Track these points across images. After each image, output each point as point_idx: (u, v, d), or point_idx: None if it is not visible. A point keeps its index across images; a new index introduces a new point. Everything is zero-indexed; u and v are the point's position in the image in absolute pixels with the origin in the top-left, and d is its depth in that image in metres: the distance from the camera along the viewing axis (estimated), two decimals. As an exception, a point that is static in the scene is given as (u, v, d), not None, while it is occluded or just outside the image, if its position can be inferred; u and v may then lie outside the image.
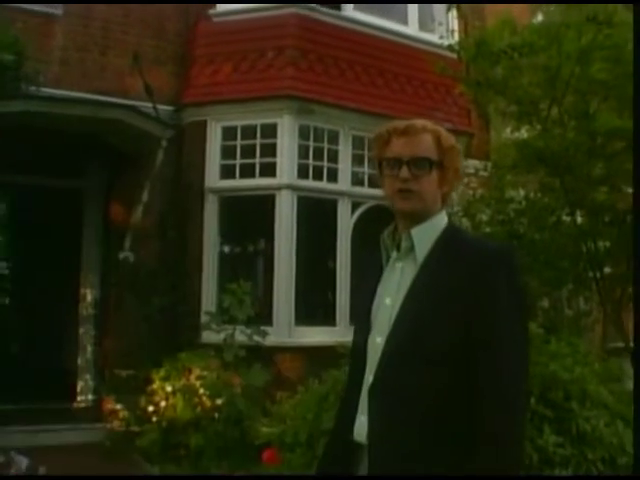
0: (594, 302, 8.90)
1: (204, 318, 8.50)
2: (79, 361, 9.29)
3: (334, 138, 9.32)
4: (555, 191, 7.76)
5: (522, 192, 8.51)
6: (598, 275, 7.54)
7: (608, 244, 7.76)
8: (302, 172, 9.08)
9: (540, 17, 9.04)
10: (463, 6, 9.39)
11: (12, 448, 6.41)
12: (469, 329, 2.23)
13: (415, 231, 2.40)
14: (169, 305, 8.82)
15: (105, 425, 8.27)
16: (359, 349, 2.48)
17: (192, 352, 7.97)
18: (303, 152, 9.11)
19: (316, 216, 9.33)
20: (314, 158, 9.18)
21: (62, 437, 7.98)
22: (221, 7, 9.69)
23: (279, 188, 8.95)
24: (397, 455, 2.26)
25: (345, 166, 9.36)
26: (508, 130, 8.56)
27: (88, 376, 9.26)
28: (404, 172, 2.37)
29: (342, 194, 9.27)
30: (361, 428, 2.38)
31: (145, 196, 8.60)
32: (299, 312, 8.90)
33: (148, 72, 9.11)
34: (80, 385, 9.23)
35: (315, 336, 8.78)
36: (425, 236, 2.40)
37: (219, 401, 7.43)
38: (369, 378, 2.38)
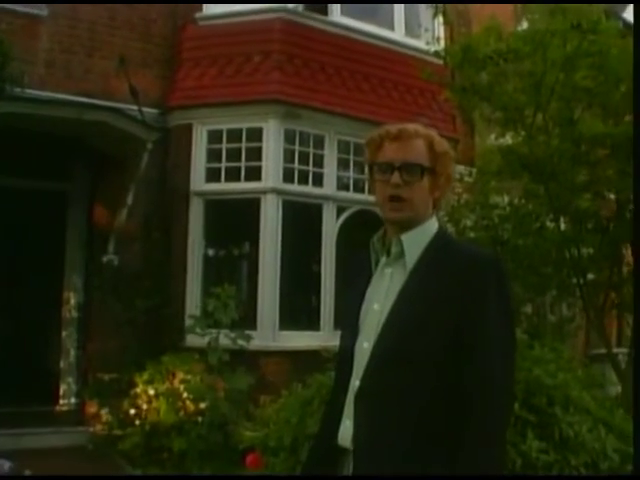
0: (577, 308, 8.94)
1: (188, 321, 8.48)
2: (62, 364, 9.24)
3: (320, 142, 9.33)
4: (539, 197, 7.79)
5: (506, 198, 8.54)
6: (581, 281, 7.57)
7: (591, 251, 7.80)
8: (287, 176, 9.08)
9: (525, 24, 9.07)
10: (449, 12, 9.40)
11: (-5, 451, 6.39)
12: (457, 336, 2.24)
13: (405, 237, 2.40)
14: (153, 308, 8.79)
15: (88, 428, 8.24)
16: (346, 353, 2.48)
17: (176, 355, 7.95)
18: (289, 156, 9.11)
19: (301, 220, 9.34)
20: (300, 162, 9.18)
21: (44, 440, 7.93)
22: (208, 11, 9.70)
23: (264, 192, 8.95)
24: (383, 460, 2.26)
25: (330, 171, 9.36)
26: (493, 136, 8.60)
27: (71, 379, 9.22)
28: (395, 178, 2.37)
29: (327, 198, 9.28)
30: (346, 432, 2.39)
31: (130, 199, 8.57)
32: (283, 316, 8.89)
33: (134, 75, 9.09)
34: (63, 388, 9.18)
35: (299, 340, 8.77)
36: (415, 242, 2.40)
37: (202, 405, 7.42)
38: (355, 383, 2.38)
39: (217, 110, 9.23)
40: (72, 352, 9.29)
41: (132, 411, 7.68)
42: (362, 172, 9.59)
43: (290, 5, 9.46)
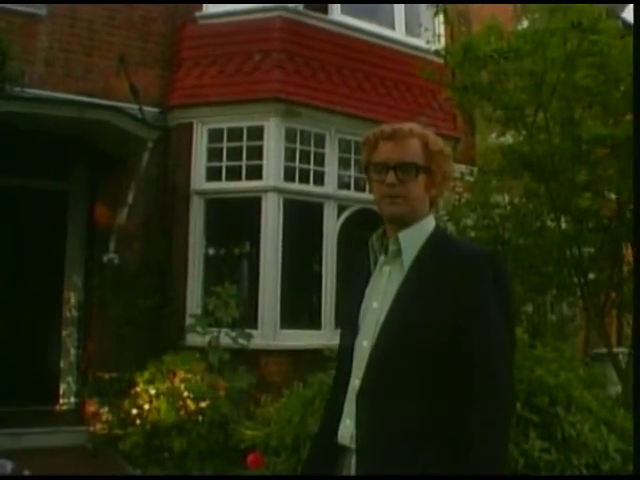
0: (578, 308, 8.93)
1: (189, 321, 8.48)
2: (62, 364, 9.23)
3: (320, 141, 9.32)
4: (540, 197, 7.79)
5: (507, 197, 8.53)
6: (582, 281, 7.56)
7: (592, 250, 7.79)
8: (288, 175, 9.07)
9: (525, 23, 9.07)
10: (450, 11, 9.40)
11: (-4, 451, 6.39)
12: (456, 333, 2.24)
13: (402, 235, 2.41)
14: (153, 307, 8.79)
15: (88, 428, 8.21)
16: (345, 352, 2.49)
17: (176, 355, 7.93)
18: (289, 155, 9.11)
19: (302, 219, 9.33)
20: (300, 161, 9.18)
21: (44, 440, 7.92)
22: (208, 10, 9.70)
23: (265, 191, 8.94)
24: (385, 459, 2.26)
25: (331, 169, 9.36)
26: (493, 135, 8.59)
27: (71, 378, 9.21)
28: (390, 177, 2.38)
29: (328, 197, 9.27)
30: (345, 431, 2.39)
31: (130, 198, 8.57)
32: (284, 315, 8.88)
33: (134, 74, 9.09)
34: (63, 388, 9.18)
35: (300, 339, 8.76)
36: (412, 240, 2.41)
37: (203, 404, 7.40)
38: (355, 382, 2.38)
39: (218, 109, 9.23)
40: (72, 351, 9.29)
41: (132, 410, 7.65)
42: (363, 171, 9.57)
43: (290, 4, 9.45)
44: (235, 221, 9.76)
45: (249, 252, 9.71)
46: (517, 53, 7.04)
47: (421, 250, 2.39)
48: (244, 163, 9.12)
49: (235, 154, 9.17)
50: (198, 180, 9.23)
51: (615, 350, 8.11)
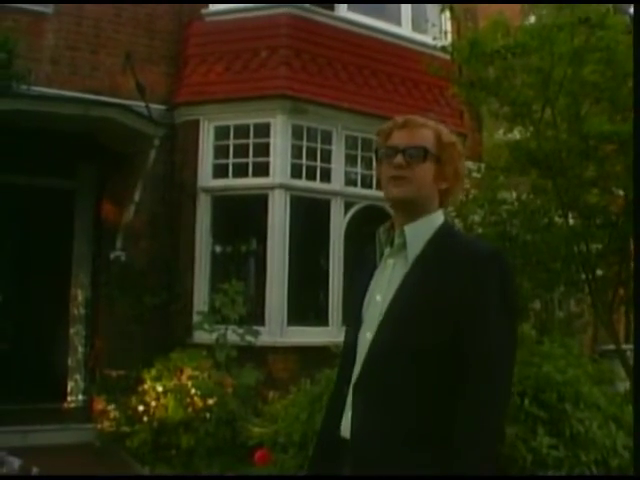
0: (586, 304, 8.90)
1: (196, 318, 8.49)
2: (69, 361, 9.25)
3: (327, 138, 9.32)
4: (547, 193, 7.75)
5: (514, 194, 8.50)
6: (590, 277, 7.53)
7: (600, 246, 7.76)
8: (295, 172, 9.07)
9: (532, 19, 9.03)
10: (456, 7, 9.37)
11: (2, 448, 6.38)
12: (456, 330, 2.23)
13: (408, 228, 2.40)
14: (161, 305, 8.80)
15: (95, 425, 8.23)
16: (350, 345, 2.49)
17: (184, 352, 7.95)
18: (296, 152, 9.10)
19: (309, 216, 9.34)
20: (307, 158, 9.17)
21: (52, 437, 7.94)
22: (214, 7, 9.70)
23: (272, 188, 8.94)
24: (379, 452, 2.26)
25: (338, 166, 9.35)
26: (501, 131, 8.56)
27: (78, 376, 9.23)
28: (398, 159, 2.39)
29: (335, 194, 9.27)
30: (347, 424, 2.39)
31: (137, 195, 8.57)
32: (291, 312, 8.89)
33: (140, 71, 9.09)
34: (70, 385, 9.20)
35: (307, 336, 8.77)
36: (418, 234, 2.40)
37: (211, 401, 7.41)
38: (356, 373, 2.39)
39: (224, 106, 9.23)
40: (80, 349, 9.30)
41: (140, 408, 7.67)
42: (370, 167, 9.58)
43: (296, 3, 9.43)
44: (242, 218, 9.77)
45: (256, 249, 9.71)
46: (524, 49, 7.01)
47: (427, 245, 2.38)
48: (251, 160, 9.12)
49: (242, 151, 9.17)
50: (205, 177, 9.23)
51: (623, 347, 8.07)
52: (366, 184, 9.51)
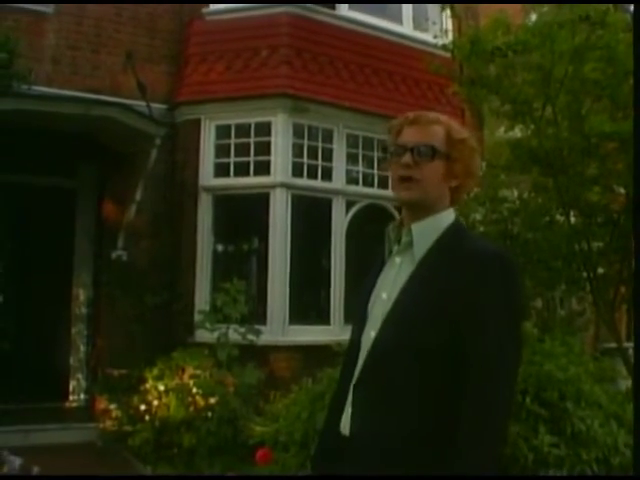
0: (587, 302, 8.90)
1: (197, 317, 8.49)
2: (71, 360, 9.27)
3: (328, 137, 9.32)
4: (549, 191, 7.75)
5: (516, 192, 8.50)
6: (591, 275, 7.53)
7: (601, 244, 7.75)
8: (296, 170, 9.07)
9: (534, 17, 9.02)
10: (457, 5, 9.38)
11: (4, 448, 6.39)
12: (460, 330, 2.21)
13: (416, 226, 2.39)
14: (162, 304, 8.81)
15: (97, 425, 8.25)
16: (354, 342, 2.48)
17: (185, 351, 7.96)
18: (297, 150, 9.10)
19: (310, 215, 9.34)
20: (308, 157, 9.17)
21: (54, 437, 7.95)
22: (214, 6, 9.70)
23: (273, 186, 8.94)
24: (379, 450, 2.26)
25: (339, 165, 9.35)
26: (502, 129, 8.55)
27: (80, 375, 9.25)
28: (406, 158, 2.36)
29: (336, 193, 9.26)
30: (347, 421, 2.39)
31: (138, 195, 8.57)
32: (293, 311, 8.89)
33: (141, 70, 9.09)
34: (72, 384, 9.21)
35: (309, 335, 8.77)
36: (426, 232, 2.38)
37: (212, 400, 7.42)
38: (357, 371, 2.39)
39: (225, 105, 9.23)
40: (81, 348, 9.32)
41: (142, 407, 7.69)
42: (371, 166, 9.58)
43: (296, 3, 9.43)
44: (243, 217, 9.77)
45: (257, 248, 9.71)
46: (525, 46, 7.00)
47: (435, 243, 2.36)
48: (252, 159, 9.12)
49: (243, 150, 9.17)
50: (206, 176, 9.23)
51: (625, 345, 8.08)
52: (367, 183, 9.51)
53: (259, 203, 9.06)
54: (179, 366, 7.78)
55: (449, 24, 10.18)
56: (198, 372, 7.65)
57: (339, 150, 9.35)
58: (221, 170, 9.25)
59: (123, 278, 8.86)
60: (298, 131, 9.13)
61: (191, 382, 7.57)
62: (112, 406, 8.17)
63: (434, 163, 2.36)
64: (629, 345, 8.52)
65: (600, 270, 7.74)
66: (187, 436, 7.20)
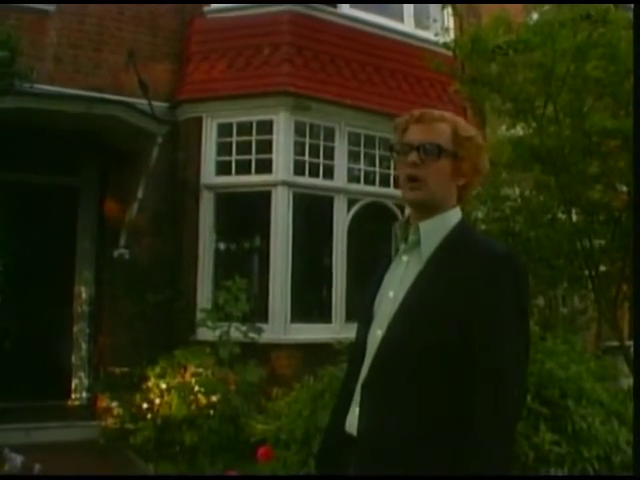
0: (589, 300, 8.89)
1: (199, 315, 8.48)
2: (73, 359, 9.28)
3: (330, 135, 9.31)
4: (550, 189, 7.75)
5: (518, 190, 8.50)
6: (593, 273, 7.53)
7: (603, 242, 7.75)
8: (298, 169, 9.06)
9: (535, 16, 9.02)
10: (458, 4, 9.38)
11: (6, 446, 6.40)
12: (467, 331, 2.20)
13: (423, 225, 2.37)
14: (164, 302, 8.81)
15: (99, 423, 8.26)
16: (360, 341, 2.47)
17: (187, 349, 7.95)
18: (299, 149, 9.10)
19: (312, 213, 9.34)
20: (310, 155, 9.16)
21: (56, 435, 7.96)
22: (216, 4, 9.67)
23: (275, 185, 8.94)
24: (386, 449, 2.25)
25: (341, 163, 9.34)
26: (503, 127, 8.55)
27: (82, 374, 9.25)
28: (412, 157, 2.35)
29: (338, 191, 9.26)
30: (353, 420, 2.37)
31: (140, 193, 8.56)
32: (295, 309, 8.88)
33: (143, 69, 9.08)
34: (74, 383, 9.22)
35: (311, 333, 8.77)
36: (433, 231, 2.36)
37: (214, 398, 7.42)
38: (365, 370, 2.37)
39: (227, 103, 9.23)
40: (84, 346, 9.33)
41: (144, 405, 7.69)
42: (373, 164, 9.58)
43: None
44: (245, 215, 9.76)
45: (259, 246, 9.70)
46: (527, 45, 7.00)
47: (442, 242, 2.35)
48: (254, 157, 9.12)
49: (244, 148, 9.17)
50: (208, 174, 9.23)
51: (627, 343, 8.07)
52: (369, 181, 9.51)
53: (261, 201, 9.06)
54: (181, 364, 7.78)
55: (450, 22, 10.18)
56: (200, 370, 7.65)
57: (341, 148, 9.35)
58: (223, 168, 9.24)
59: (125, 276, 8.87)
60: (300, 129, 9.13)
61: (193, 380, 7.57)
62: (114, 404, 8.18)
63: (441, 162, 2.35)
64: (631, 343, 8.52)
65: (602, 268, 7.74)
66: (189, 434, 7.21)
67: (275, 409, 5.74)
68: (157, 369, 7.84)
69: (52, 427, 8.10)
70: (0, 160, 8.09)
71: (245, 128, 9.19)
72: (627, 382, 6.73)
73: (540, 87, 7.07)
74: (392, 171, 9.24)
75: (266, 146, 9.05)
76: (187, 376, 7.66)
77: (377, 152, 9.53)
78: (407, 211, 2.50)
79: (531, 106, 7.29)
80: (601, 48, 6.82)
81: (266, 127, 9.08)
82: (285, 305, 8.81)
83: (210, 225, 9.19)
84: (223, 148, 9.26)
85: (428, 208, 2.38)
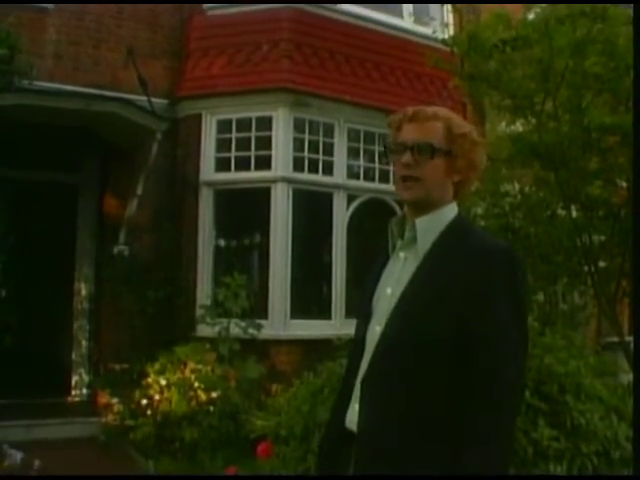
0: (589, 296, 8.89)
1: (199, 311, 8.50)
2: (74, 355, 9.27)
3: (329, 131, 9.31)
4: (550, 185, 7.75)
5: (517, 186, 8.50)
6: (593, 269, 7.53)
7: (603, 238, 7.75)
8: (297, 165, 9.06)
9: (533, 14, 9.02)
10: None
11: (6, 442, 6.41)
12: (465, 326, 2.20)
13: (420, 221, 2.38)
14: (164, 299, 8.81)
15: (99, 419, 8.27)
16: (359, 337, 2.48)
17: (187, 345, 7.96)
18: (298, 145, 9.10)
19: (311, 209, 9.33)
20: (309, 151, 9.16)
21: (56, 431, 7.97)
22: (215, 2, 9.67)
23: (274, 181, 8.94)
24: (383, 447, 2.25)
25: (340, 159, 9.34)
26: (503, 124, 8.55)
27: (82, 370, 9.25)
28: (406, 157, 2.35)
29: (337, 187, 9.26)
30: (353, 416, 2.38)
31: (140, 189, 8.57)
32: (294, 305, 8.88)
33: (142, 65, 9.07)
34: (75, 379, 9.22)
35: (310, 329, 8.77)
36: (430, 227, 2.37)
37: (214, 394, 7.43)
38: (364, 367, 2.38)
39: (226, 99, 9.22)
40: (84, 343, 9.32)
41: (144, 401, 7.70)
42: (372, 160, 9.58)
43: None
44: (244, 211, 9.75)
45: (259, 242, 9.69)
46: (525, 41, 7.00)
47: (439, 238, 2.36)
48: (253, 153, 9.11)
49: (244, 144, 9.17)
50: (207, 171, 9.23)
51: (627, 339, 8.07)
52: (368, 177, 9.51)
53: (260, 197, 9.06)
54: (181, 360, 7.78)
55: (450, 18, 10.17)
56: (200, 366, 7.66)
57: (340, 144, 9.35)
58: (222, 165, 9.24)
59: (125, 273, 8.86)
60: (299, 125, 9.13)
61: (193, 376, 7.58)
62: (114, 400, 8.20)
63: (435, 160, 2.35)
64: (631, 339, 8.52)
65: (601, 264, 7.73)
66: (189, 430, 7.22)
67: (275, 405, 5.74)
68: (157, 365, 7.85)
69: (52, 424, 8.11)
70: (0, 157, 8.08)
71: (244, 124, 9.19)
72: (627, 378, 6.74)
73: (539, 83, 7.07)
74: (391, 167, 9.24)
75: (265, 142, 9.05)
76: (187, 372, 7.66)
77: (376, 148, 9.53)
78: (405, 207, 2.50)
79: (530, 102, 7.29)
80: (600, 44, 6.81)
81: (265, 123, 9.08)
82: (285, 301, 8.82)
83: (210, 221, 9.20)
84: (222, 144, 9.26)
85: (424, 206, 2.39)
